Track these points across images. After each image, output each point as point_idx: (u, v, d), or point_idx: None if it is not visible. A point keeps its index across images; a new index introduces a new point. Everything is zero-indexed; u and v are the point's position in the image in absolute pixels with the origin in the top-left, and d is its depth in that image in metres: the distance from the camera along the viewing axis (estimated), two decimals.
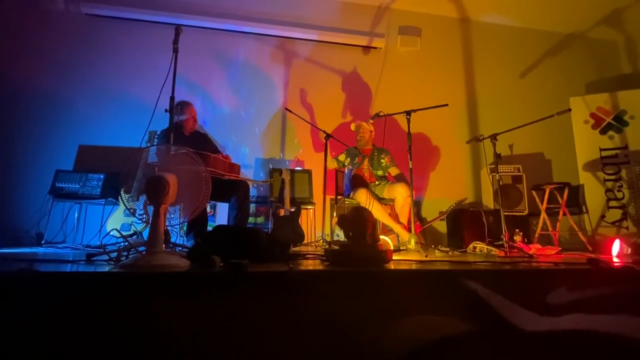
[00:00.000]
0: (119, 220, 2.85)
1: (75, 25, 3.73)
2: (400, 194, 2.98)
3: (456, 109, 4.41)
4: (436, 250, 2.63)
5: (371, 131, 3.41)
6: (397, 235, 2.99)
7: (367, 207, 2.72)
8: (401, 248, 2.58)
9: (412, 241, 2.44)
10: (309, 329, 1.11)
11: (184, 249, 2.08)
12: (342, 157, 3.44)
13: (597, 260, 1.46)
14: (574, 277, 1.30)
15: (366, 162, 3.34)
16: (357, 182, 3.25)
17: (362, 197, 2.98)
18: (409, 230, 2.68)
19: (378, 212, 2.89)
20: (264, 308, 1.11)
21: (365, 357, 1.10)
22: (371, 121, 3.36)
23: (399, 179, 3.31)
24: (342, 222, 1.71)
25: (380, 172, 3.33)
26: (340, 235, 3.54)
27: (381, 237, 2.17)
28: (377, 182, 3.27)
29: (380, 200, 3.14)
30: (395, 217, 3.10)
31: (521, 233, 2.93)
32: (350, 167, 3.37)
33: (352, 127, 3.49)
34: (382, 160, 3.34)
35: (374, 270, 1.35)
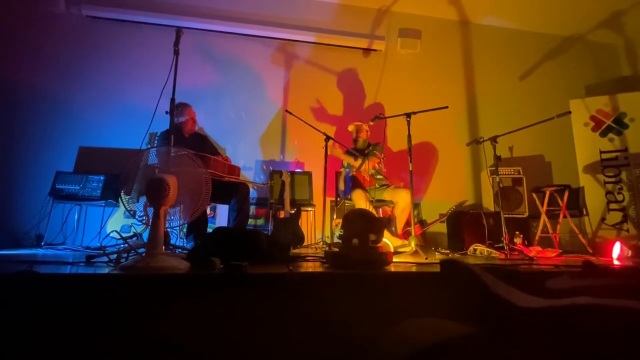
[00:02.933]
0: (119, 222, 2.84)
1: (77, 27, 3.74)
2: (403, 199, 2.98)
3: (456, 111, 4.41)
4: (436, 253, 2.63)
5: (367, 130, 3.43)
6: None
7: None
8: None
9: (412, 243, 2.44)
10: (308, 331, 1.11)
11: (184, 251, 2.07)
12: (350, 161, 3.40)
13: (592, 264, 1.46)
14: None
15: (366, 163, 3.29)
16: (354, 184, 3.25)
17: (357, 197, 2.98)
18: (405, 236, 2.68)
19: None
20: (263, 310, 1.11)
21: None
22: (371, 123, 3.36)
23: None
24: (344, 223, 1.70)
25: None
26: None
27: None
28: (377, 185, 3.25)
29: (381, 202, 3.13)
30: (393, 219, 3.10)
31: (521, 235, 2.92)
32: (348, 169, 3.34)
33: (350, 128, 3.48)
34: (375, 152, 3.34)
35: (374, 273, 1.35)
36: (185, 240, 2.80)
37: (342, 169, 3.40)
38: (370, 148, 3.36)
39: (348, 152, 3.39)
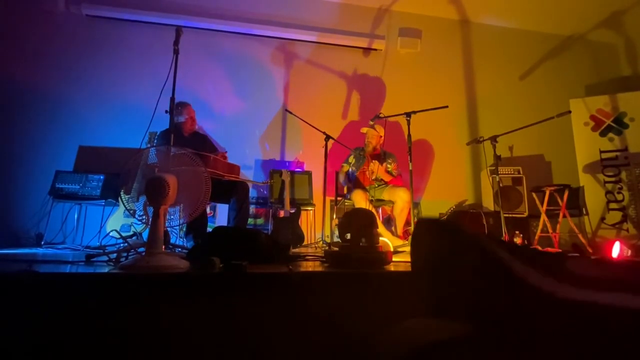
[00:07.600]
0: (118, 221, 2.84)
1: (76, 26, 3.73)
2: (401, 198, 2.96)
3: (456, 110, 4.41)
4: None
5: (380, 136, 3.31)
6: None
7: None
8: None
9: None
10: (308, 331, 1.11)
11: (184, 250, 2.08)
12: (351, 160, 3.35)
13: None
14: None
15: (369, 163, 3.26)
16: (355, 184, 3.24)
17: (357, 197, 2.97)
18: (405, 236, 2.67)
19: None
20: (263, 309, 1.11)
21: (364, 359, 1.10)
22: (371, 123, 3.34)
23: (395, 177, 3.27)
24: (341, 223, 1.70)
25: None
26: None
27: (381, 238, 2.17)
28: (376, 185, 3.24)
29: (380, 201, 3.13)
30: (392, 219, 3.10)
31: (521, 235, 2.93)
32: (353, 168, 3.31)
33: (363, 130, 3.43)
34: (389, 166, 3.28)
35: (374, 272, 1.35)
36: (185, 239, 2.80)
37: (344, 164, 3.37)
38: (390, 161, 3.26)
39: (355, 152, 3.34)
